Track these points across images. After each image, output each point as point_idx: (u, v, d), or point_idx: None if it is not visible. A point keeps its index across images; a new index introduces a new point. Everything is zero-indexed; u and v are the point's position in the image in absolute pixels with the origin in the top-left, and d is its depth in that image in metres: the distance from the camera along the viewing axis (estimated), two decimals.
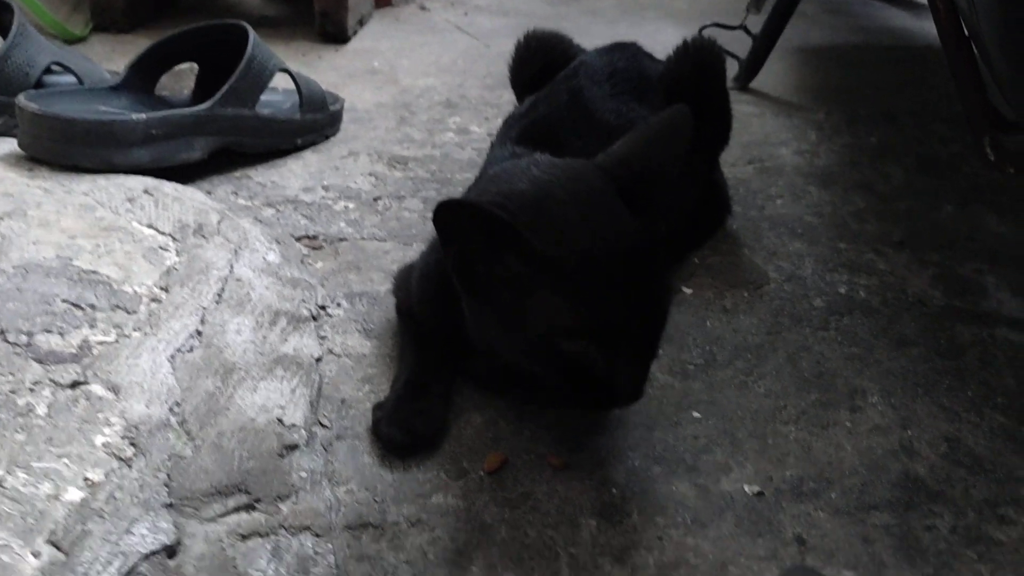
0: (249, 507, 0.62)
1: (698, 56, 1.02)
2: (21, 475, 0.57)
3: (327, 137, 1.34)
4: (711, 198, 1.11)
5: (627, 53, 1.03)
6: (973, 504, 0.68)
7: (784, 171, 1.30)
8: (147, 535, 0.55)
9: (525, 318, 0.65)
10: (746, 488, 0.70)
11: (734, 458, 0.73)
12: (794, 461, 0.73)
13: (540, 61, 1.08)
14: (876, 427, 0.76)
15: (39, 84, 1.21)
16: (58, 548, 0.53)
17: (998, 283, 1.00)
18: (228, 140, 1.18)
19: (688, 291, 0.97)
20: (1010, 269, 1.02)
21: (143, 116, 1.07)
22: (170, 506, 0.59)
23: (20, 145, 1.06)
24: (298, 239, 1.05)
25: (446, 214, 0.61)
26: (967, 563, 0.63)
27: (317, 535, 0.62)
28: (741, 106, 1.56)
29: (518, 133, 0.89)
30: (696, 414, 0.78)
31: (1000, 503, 0.69)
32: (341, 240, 1.06)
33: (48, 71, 1.23)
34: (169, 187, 1.04)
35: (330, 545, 0.62)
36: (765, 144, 1.40)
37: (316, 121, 1.31)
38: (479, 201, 0.63)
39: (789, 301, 0.96)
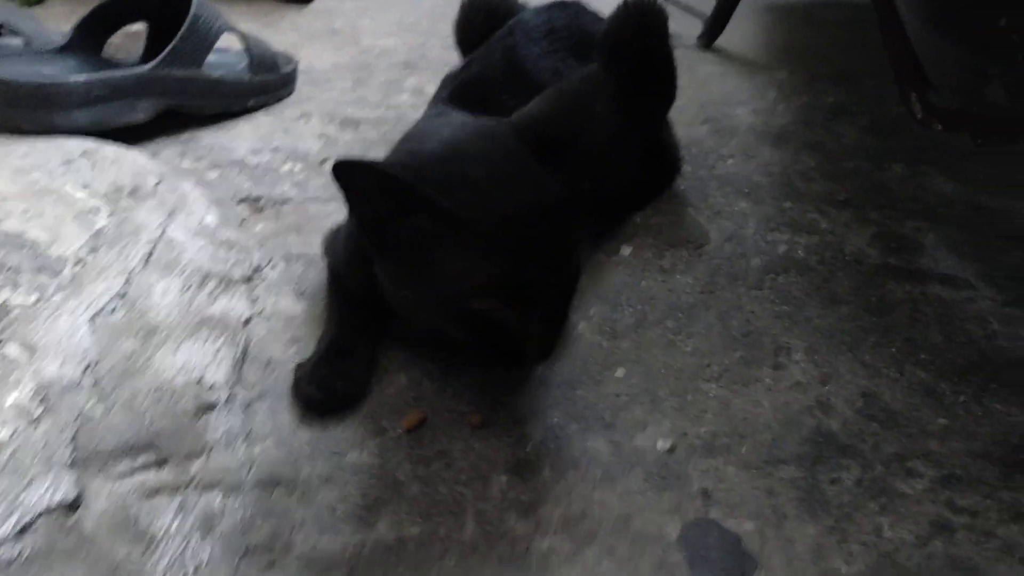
0: (157, 465, 0.63)
1: (639, 17, 1.00)
2: None
3: (280, 99, 1.34)
4: (658, 158, 1.10)
5: (567, 11, 1.02)
6: (882, 458, 0.69)
7: (739, 131, 1.29)
8: (46, 492, 0.56)
9: (435, 277, 0.65)
10: (659, 444, 0.70)
11: (652, 415, 0.74)
12: (711, 418, 0.73)
13: (484, 20, 1.07)
14: (796, 384, 0.77)
15: None
16: None
17: (936, 241, 1.00)
18: (174, 102, 1.18)
19: (627, 251, 0.98)
20: (950, 227, 1.02)
21: (82, 78, 1.06)
22: (73, 464, 0.59)
23: None
24: (240, 201, 1.05)
25: (343, 174, 0.61)
26: (868, 515, 0.64)
27: (226, 492, 0.63)
28: (703, 65, 1.55)
29: (449, 93, 0.88)
30: (620, 372, 0.78)
31: (909, 456, 0.69)
32: (284, 202, 1.05)
33: None
34: (110, 149, 1.03)
35: (238, 502, 0.63)
36: (723, 103, 1.39)
37: (267, 83, 1.30)
38: (374, 162, 0.62)
39: (727, 260, 0.96)
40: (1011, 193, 1.09)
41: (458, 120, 0.71)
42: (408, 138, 0.73)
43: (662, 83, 1.07)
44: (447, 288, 0.65)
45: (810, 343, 0.82)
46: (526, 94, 0.87)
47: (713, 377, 0.78)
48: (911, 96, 0.79)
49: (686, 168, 1.15)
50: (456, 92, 0.88)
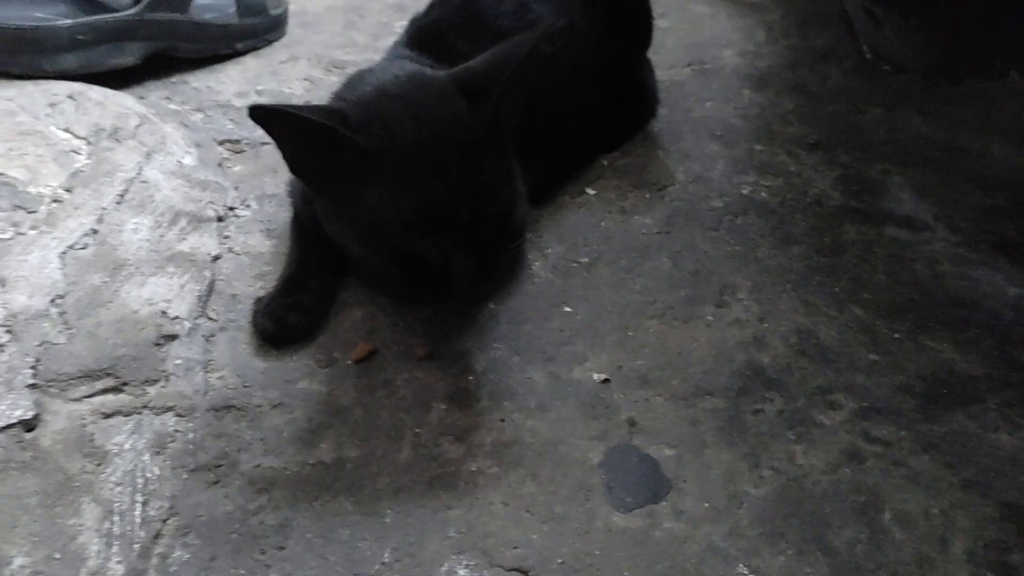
0: (116, 390, 0.67)
1: None
2: None
3: (270, 42, 1.35)
4: (632, 100, 1.12)
5: None
6: (806, 391, 0.72)
7: (722, 73, 1.30)
8: (5, 411, 0.61)
9: (359, 211, 0.69)
10: (595, 376, 0.74)
11: (592, 349, 0.77)
12: (648, 352, 0.76)
13: None
14: (736, 321, 0.80)
15: None
16: None
17: (902, 183, 1.00)
18: (162, 45, 1.20)
19: (592, 193, 1.00)
20: (918, 170, 1.03)
21: (68, 22, 1.09)
22: (34, 386, 0.64)
23: None
24: (220, 143, 1.08)
25: (260, 118, 0.65)
26: (783, 443, 0.67)
27: (180, 415, 0.68)
28: (695, 6, 1.54)
29: (408, 37, 0.90)
30: (567, 309, 0.82)
31: (834, 390, 0.72)
32: (264, 144, 1.08)
33: None
34: (96, 92, 1.07)
35: (191, 424, 0.67)
36: (710, 46, 1.39)
37: (256, 26, 1.32)
38: (284, 105, 0.65)
39: (688, 202, 0.98)
40: (988, 136, 1.09)
41: (397, 66, 0.73)
42: (349, 82, 0.76)
43: (636, 24, 1.08)
44: (369, 221, 0.69)
45: (756, 282, 0.85)
46: (484, 40, 0.89)
47: (656, 314, 0.81)
48: (860, 38, 0.79)
49: (663, 111, 1.16)
50: (414, 36, 0.90)
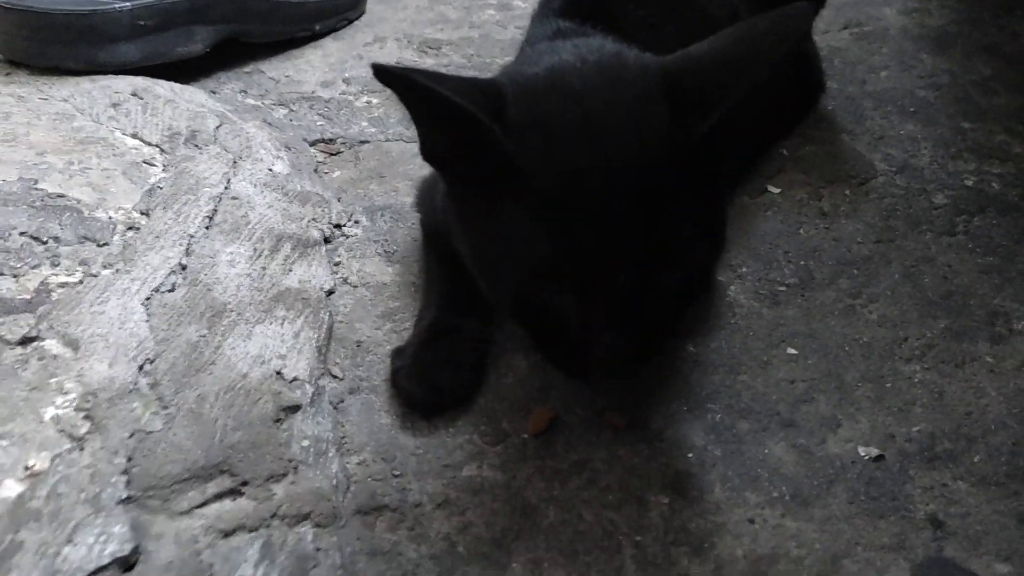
0: (234, 492, 0.50)
1: None
2: None
3: (350, 21, 1.19)
4: (800, 74, 0.92)
5: None
6: None
7: (888, 35, 1.10)
8: (94, 544, 0.44)
9: (489, 234, 0.51)
10: (861, 450, 0.55)
11: (843, 409, 0.58)
12: (922, 412, 0.57)
13: None
14: None
15: None
16: None
17: None
18: (233, 29, 1.04)
19: (776, 191, 0.81)
20: None
21: (127, 4, 0.92)
22: (129, 500, 0.47)
23: None
24: (312, 144, 0.91)
25: (385, 80, 0.46)
26: None
27: (319, 525, 0.50)
28: None
29: (561, 3, 0.71)
30: (791, 350, 0.63)
31: None
32: (363, 143, 0.91)
33: None
34: (163, 88, 0.90)
35: (335, 538, 0.50)
36: (865, 3, 1.18)
37: (335, 4, 1.15)
38: (412, 73, 0.46)
39: (903, 199, 0.78)
40: None
41: (584, 44, 0.54)
42: (521, 53, 0.58)
43: None
44: (496, 250, 0.51)
45: None
46: (659, 2, 0.71)
47: (914, 355, 0.62)
48: None
49: (831, 85, 0.97)
50: (569, 2, 0.70)
